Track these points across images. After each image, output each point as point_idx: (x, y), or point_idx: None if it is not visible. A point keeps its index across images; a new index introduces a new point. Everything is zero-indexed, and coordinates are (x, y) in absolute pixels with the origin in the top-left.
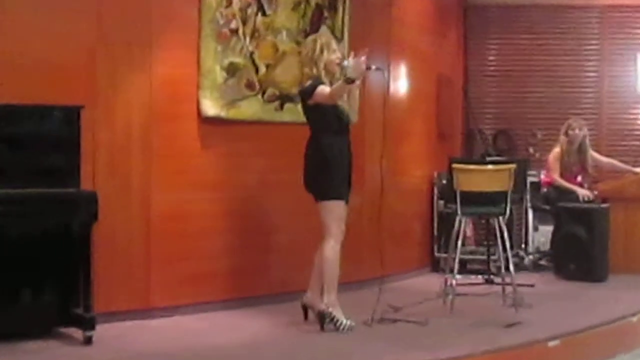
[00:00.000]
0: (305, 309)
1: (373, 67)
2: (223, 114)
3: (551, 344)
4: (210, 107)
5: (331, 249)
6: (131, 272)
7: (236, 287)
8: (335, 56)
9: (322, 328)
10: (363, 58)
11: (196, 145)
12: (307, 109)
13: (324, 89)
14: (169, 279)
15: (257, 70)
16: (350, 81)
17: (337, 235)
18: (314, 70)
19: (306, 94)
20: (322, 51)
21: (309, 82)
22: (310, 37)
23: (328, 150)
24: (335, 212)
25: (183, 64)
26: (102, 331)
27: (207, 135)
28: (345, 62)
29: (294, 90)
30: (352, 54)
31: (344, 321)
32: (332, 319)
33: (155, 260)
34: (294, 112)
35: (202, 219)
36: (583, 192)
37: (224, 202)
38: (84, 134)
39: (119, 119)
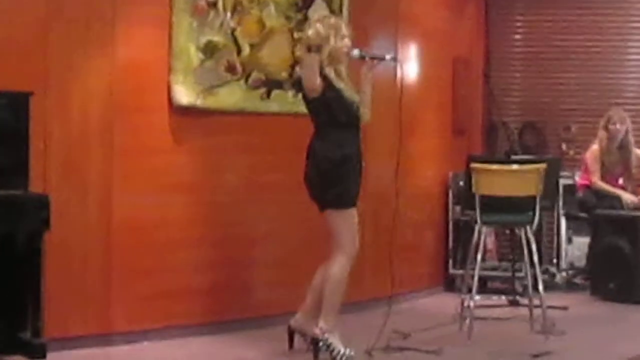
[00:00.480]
0: (291, 334)
1: (387, 56)
2: (199, 102)
3: None
4: (184, 95)
5: (341, 267)
6: (89, 290)
7: (214, 308)
8: (344, 43)
9: (315, 357)
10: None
11: (167, 140)
12: (306, 102)
13: (301, 71)
14: (133, 298)
15: (239, 51)
16: (315, 48)
17: (350, 251)
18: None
19: (299, 85)
20: (328, 35)
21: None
22: (319, 17)
23: (339, 147)
24: (349, 222)
25: (151, 43)
26: None
27: (180, 129)
28: (355, 52)
29: (284, 75)
30: None
31: (342, 350)
32: (329, 347)
33: (117, 276)
34: (283, 101)
35: (174, 227)
36: (628, 197)
37: (199, 207)
38: (33, 125)
39: (75, 108)
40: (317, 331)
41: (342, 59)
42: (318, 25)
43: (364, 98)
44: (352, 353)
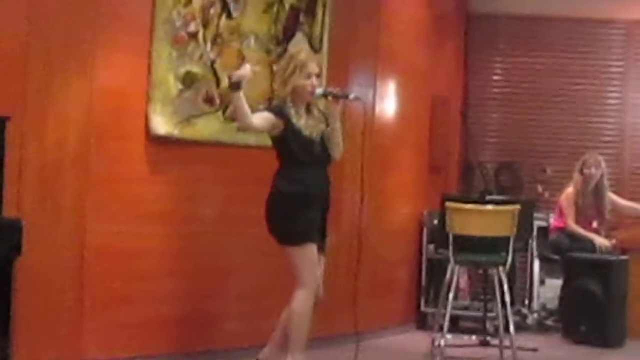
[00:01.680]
0: None
1: (351, 95)
2: (176, 132)
3: None
4: (161, 124)
5: (301, 301)
6: (60, 318)
7: (185, 338)
8: (308, 82)
9: None
10: (247, 65)
11: (143, 169)
12: (271, 138)
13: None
14: (105, 327)
15: (218, 82)
16: (235, 86)
17: (309, 284)
18: (282, 91)
19: None
20: (293, 72)
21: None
22: (290, 52)
23: (293, 184)
24: (304, 257)
25: (131, 71)
26: None
27: (157, 158)
28: (319, 90)
29: (261, 107)
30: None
31: None
32: None
33: (89, 304)
34: (260, 134)
35: (147, 257)
36: (601, 242)
37: (173, 237)
38: (8, 149)
39: (52, 133)
40: None
41: (307, 96)
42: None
43: (332, 135)
44: None
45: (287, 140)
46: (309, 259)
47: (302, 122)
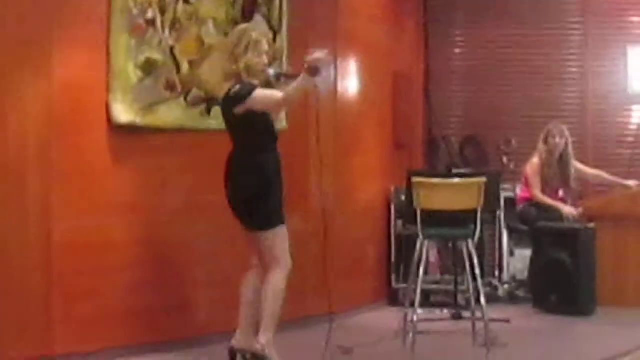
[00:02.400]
0: (233, 355)
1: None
2: (138, 120)
3: None
4: (123, 113)
5: (280, 280)
6: (29, 313)
7: (155, 328)
8: (260, 60)
9: None
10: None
11: (106, 159)
12: (234, 120)
13: (270, 95)
14: (74, 320)
15: (178, 68)
16: (314, 71)
17: (286, 264)
18: (233, 67)
19: (237, 101)
20: (246, 49)
21: (236, 86)
22: (239, 27)
23: (267, 168)
24: (282, 238)
25: (90, 63)
26: None
27: (120, 148)
28: (271, 71)
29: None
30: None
31: None
32: None
33: (58, 298)
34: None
35: (114, 248)
36: (568, 210)
37: (140, 227)
38: None
39: (12, 129)
40: (258, 347)
41: (259, 75)
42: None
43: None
44: None
45: (253, 120)
46: (285, 239)
47: None
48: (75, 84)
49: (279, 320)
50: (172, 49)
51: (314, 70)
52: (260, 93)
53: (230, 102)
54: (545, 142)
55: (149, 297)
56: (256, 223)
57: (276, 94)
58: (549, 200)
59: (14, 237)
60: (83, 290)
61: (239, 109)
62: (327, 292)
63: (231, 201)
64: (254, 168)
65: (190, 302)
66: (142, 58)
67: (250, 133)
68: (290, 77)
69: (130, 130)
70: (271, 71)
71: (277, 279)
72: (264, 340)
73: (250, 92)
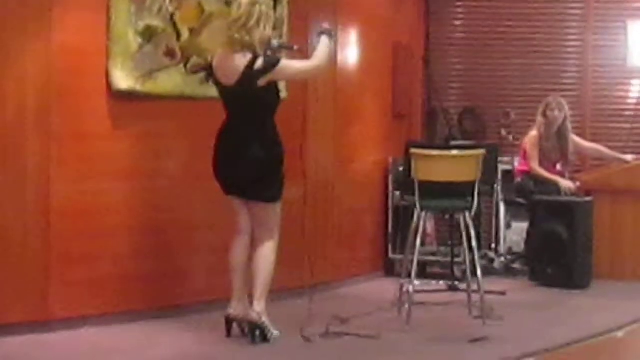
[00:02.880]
0: (230, 323)
1: (295, 47)
2: (138, 87)
3: None
4: (122, 80)
5: (272, 251)
6: (26, 277)
7: (152, 294)
8: (271, 33)
9: (253, 340)
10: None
11: (105, 125)
12: (252, 93)
13: (302, 64)
14: (71, 285)
15: (178, 36)
16: (328, 33)
17: (277, 236)
18: (247, 38)
19: (263, 73)
20: (258, 22)
21: (258, 61)
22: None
23: (280, 141)
24: (278, 211)
25: (89, 27)
26: None
27: (119, 114)
28: (274, 43)
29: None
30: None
31: (274, 331)
32: (263, 330)
33: (56, 263)
34: None
35: (113, 213)
36: (566, 184)
37: (138, 193)
38: None
39: (11, 95)
40: (254, 315)
41: (265, 47)
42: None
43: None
44: (278, 333)
45: (271, 92)
46: (279, 214)
47: None
48: (74, 48)
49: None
50: (172, 16)
51: (329, 35)
52: (289, 64)
53: (253, 75)
54: (544, 115)
55: (147, 263)
56: (266, 196)
57: (306, 62)
58: (546, 174)
59: (12, 201)
60: (81, 255)
61: (262, 81)
62: (325, 260)
63: (237, 173)
64: (270, 141)
65: (187, 269)
66: (142, 24)
67: (269, 106)
68: (289, 48)
69: (129, 96)
70: (275, 42)
71: (271, 250)
72: (259, 308)
73: (276, 64)
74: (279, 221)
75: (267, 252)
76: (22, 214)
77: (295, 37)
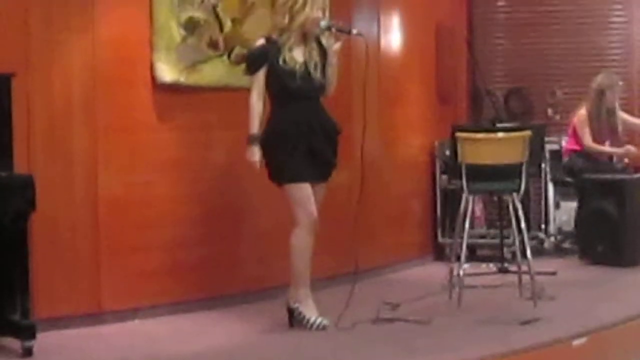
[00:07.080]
0: (289, 311)
1: (354, 31)
2: (182, 79)
3: (576, 342)
4: (167, 72)
5: (297, 238)
6: (77, 270)
7: (203, 284)
8: (318, 15)
9: (291, 325)
10: None
11: (151, 117)
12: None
13: (254, 89)
14: (122, 277)
15: (221, 26)
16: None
17: (304, 221)
18: (284, 23)
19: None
20: (304, 5)
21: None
22: None
23: (281, 122)
24: (295, 196)
25: (132, 20)
26: (45, 341)
27: (164, 106)
28: (323, 23)
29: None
30: None
31: (313, 319)
32: (300, 316)
33: (106, 255)
34: None
35: (161, 204)
36: (627, 148)
37: (186, 184)
38: (16, 106)
39: (58, 87)
40: (290, 302)
41: (314, 29)
42: None
43: (327, 71)
44: (326, 322)
45: (270, 78)
46: (300, 198)
47: (289, 54)
48: (118, 41)
49: (307, 275)
50: (214, 7)
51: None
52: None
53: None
54: (599, 92)
55: (196, 253)
56: (269, 174)
57: (254, 92)
58: (602, 147)
59: (61, 195)
60: (130, 247)
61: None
62: (373, 246)
63: (328, 151)
64: (271, 120)
65: (236, 258)
66: (184, 16)
67: (270, 89)
68: (340, 29)
69: (174, 88)
70: (323, 22)
71: (295, 239)
72: (294, 295)
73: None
74: (300, 206)
75: (292, 242)
76: (71, 206)
77: (338, 19)
